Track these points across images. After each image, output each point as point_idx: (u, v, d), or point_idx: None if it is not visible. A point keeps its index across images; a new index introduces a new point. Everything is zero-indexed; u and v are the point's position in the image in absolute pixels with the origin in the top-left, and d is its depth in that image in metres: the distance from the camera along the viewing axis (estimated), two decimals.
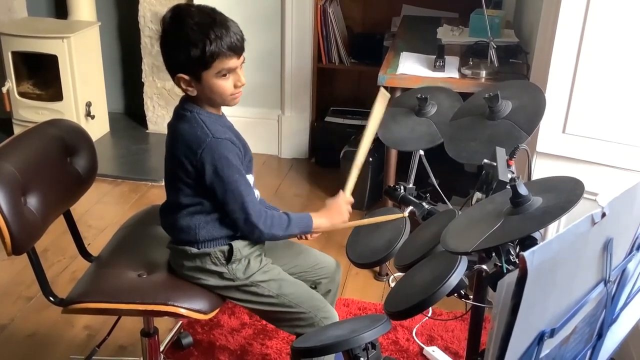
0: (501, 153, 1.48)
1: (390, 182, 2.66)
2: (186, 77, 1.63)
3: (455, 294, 1.28)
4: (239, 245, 1.74)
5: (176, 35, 1.61)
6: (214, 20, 1.59)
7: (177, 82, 1.65)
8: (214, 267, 1.74)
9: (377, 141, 1.86)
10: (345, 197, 1.83)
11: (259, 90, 3.78)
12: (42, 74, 3.89)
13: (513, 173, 1.46)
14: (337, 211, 1.81)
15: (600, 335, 1.19)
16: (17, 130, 3.81)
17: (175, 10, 1.63)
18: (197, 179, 1.67)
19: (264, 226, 1.68)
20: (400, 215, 1.71)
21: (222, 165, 1.63)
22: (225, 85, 1.64)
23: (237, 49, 1.62)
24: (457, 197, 2.98)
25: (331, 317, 1.77)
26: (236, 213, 1.67)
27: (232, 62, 1.62)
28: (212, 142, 1.64)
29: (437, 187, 1.79)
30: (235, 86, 1.66)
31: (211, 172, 1.64)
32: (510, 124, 1.59)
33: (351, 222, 1.83)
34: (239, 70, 1.65)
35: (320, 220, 1.79)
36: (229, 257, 1.73)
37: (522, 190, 1.19)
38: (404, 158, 2.24)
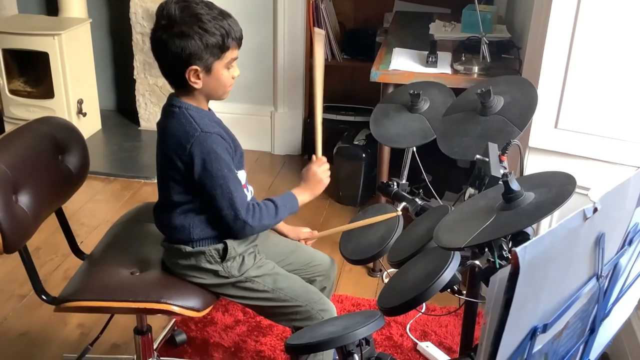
0: (493, 148, 1.48)
1: (383, 178, 2.66)
2: (199, 68, 1.62)
3: (449, 290, 1.29)
4: (234, 243, 1.73)
5: (195, 26, 1.58)
6: (220, 11, 1.63)
7: (187, 75, 1.61)
8: (208, 266, 1.74)
9: (370, 137, 1.86)
10: (319, 161, 1.84)
11: (251, 87, 3.77)
12: (33, 71, 3.86)
13: (505, 168, 1.46)
14: (315, 179, 1.82)
15: (593, 330, 1.20)
16: (8, 128, 3.78)
17: (182, 3, 1.59)
18: (187, 175, 1.66)
19: (254, 220, 1.67)
20: (394, 213, 1.71)
21: (210, 159, 1.63)
22: (228, 76, 1.67)
23: (242, 40, 1.67)
24: (450, 193, 2.99)
25: (328, 309, 1.77)
26: (224, 210, 1.65)
27: (237, 53, 1.67)
28: (200, 136, 1.63)
29: (429, 183, 1.79)
30: (233, 77, 1.69)
31: (200, 166, 1.63)
32: (503, 119, 1.60)
33: (346, 226, 1.82)
34: (235, 62, 1.69)
35: (303, 195, 1.80)
36: (223, 255, 1.73)
37: (514, 185, 1.20)
38: (397, 154, 2.24)
